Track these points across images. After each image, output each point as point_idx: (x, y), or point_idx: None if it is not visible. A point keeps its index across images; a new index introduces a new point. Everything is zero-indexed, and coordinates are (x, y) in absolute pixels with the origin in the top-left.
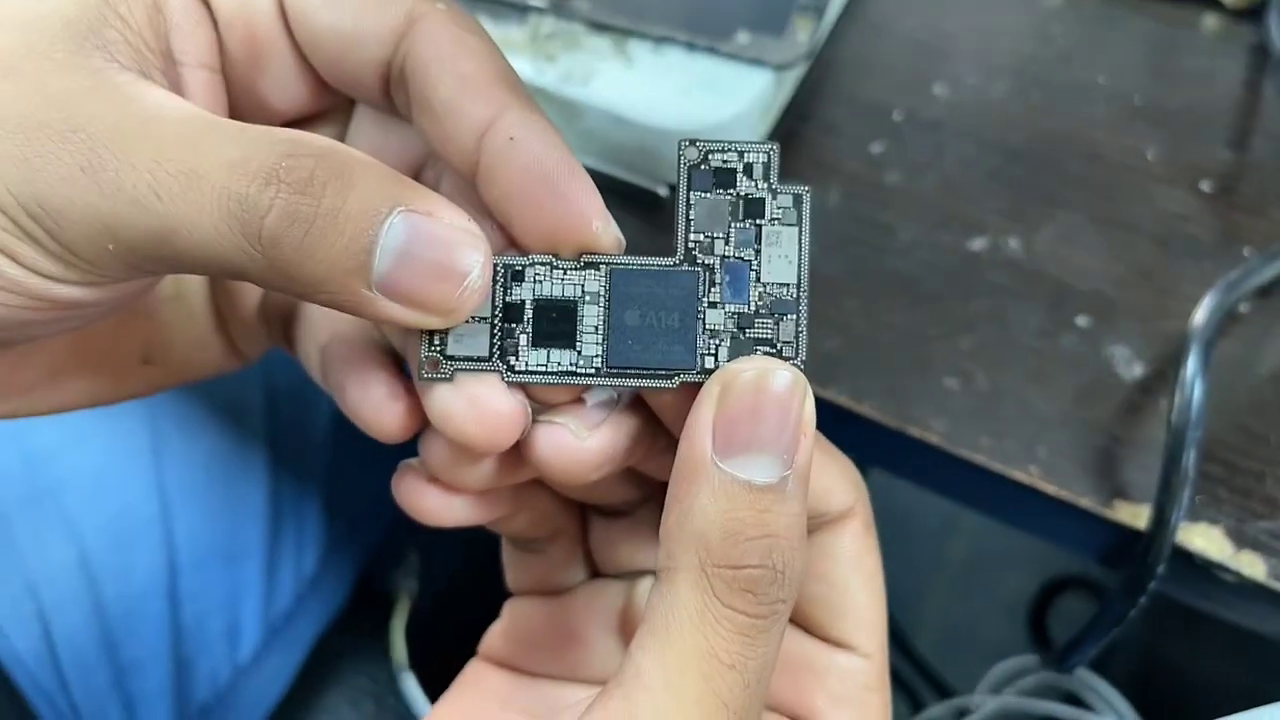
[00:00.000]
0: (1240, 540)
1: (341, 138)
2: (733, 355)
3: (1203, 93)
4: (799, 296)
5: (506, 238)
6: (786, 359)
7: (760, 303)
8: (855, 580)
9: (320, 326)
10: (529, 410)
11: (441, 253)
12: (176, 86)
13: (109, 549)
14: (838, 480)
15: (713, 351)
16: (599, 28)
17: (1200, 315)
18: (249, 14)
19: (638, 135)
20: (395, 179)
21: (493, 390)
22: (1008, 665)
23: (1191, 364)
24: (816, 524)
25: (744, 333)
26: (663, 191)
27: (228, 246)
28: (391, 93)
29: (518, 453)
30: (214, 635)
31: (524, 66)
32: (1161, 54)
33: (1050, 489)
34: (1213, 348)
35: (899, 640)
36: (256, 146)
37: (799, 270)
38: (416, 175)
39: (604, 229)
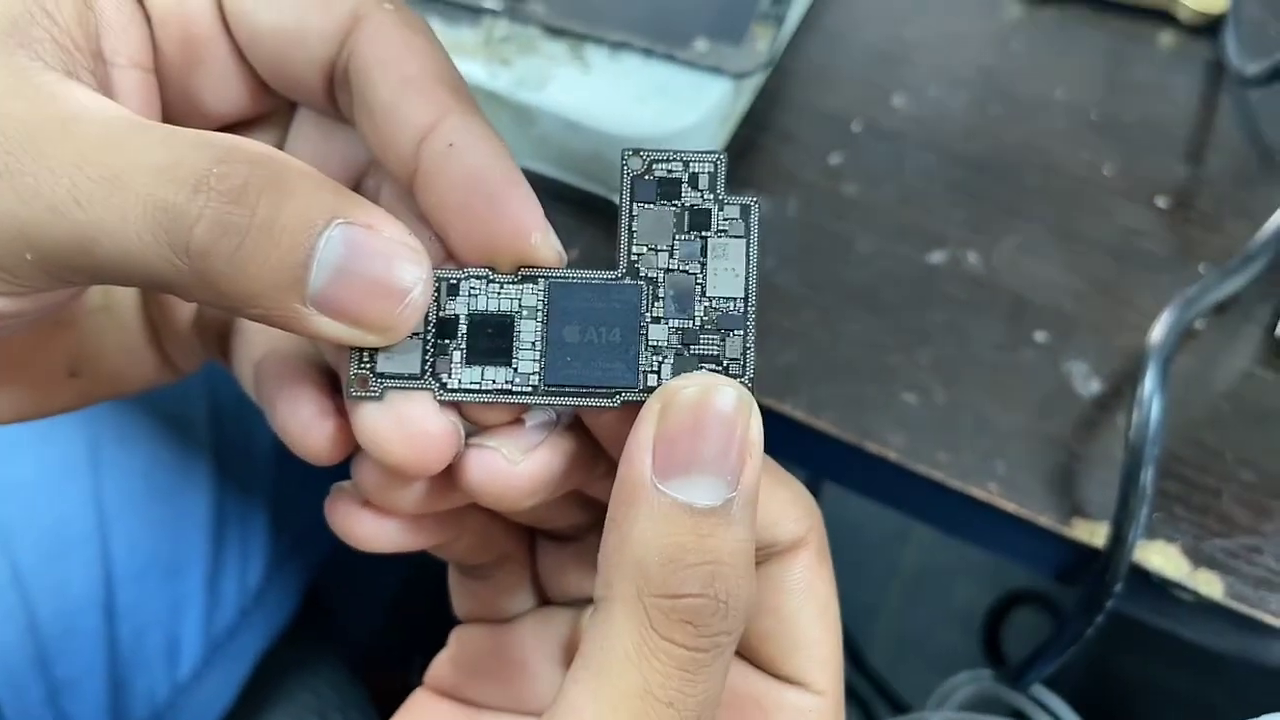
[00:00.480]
0: (1197, 559)
1: (281, 144)
2: (676, 373)
3: (1159, 107)
4: (746, 312)
5: (444, 249)
6: (733, 376)
7: (706, 318)
8: (807, 613)
9: (255, 341)
10: (461, 432)
11: (381, 268)
12: (106, 88)
13: (43, 563)
14: (788, 507)
15: (655, 369)
16: (555, 32)
17: (1158, 333)
18: (184, 11)
19: (593, 142)
20: (334, 189)
21: (423, 410)
22: (960, 679)
23: (1149, 381)
24: (766, 554)
25: (689, 349)
26: (617, 200)
27: (152, 258)
28: (335, 94)
29: (452, 476)
30: (153, 652)
31: (477, 70)
32: (1118, 68)
33: (1009, 506)
34: (1170, 365)
35: (851, 652)
36: (186, 151)
37: (747, 284)
38: (358, 184)
39: (543, 241)
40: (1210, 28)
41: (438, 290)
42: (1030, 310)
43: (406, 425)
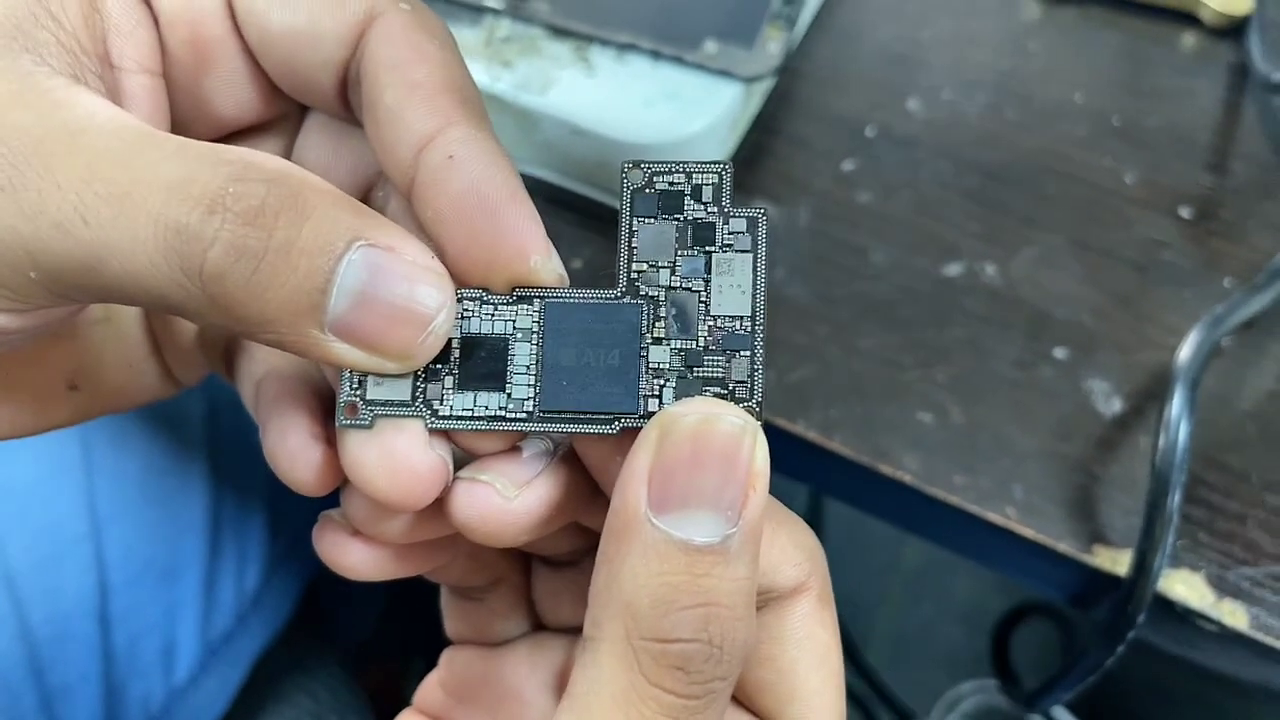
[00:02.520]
0: (1222, 588)
1: (289, 149)
2: (679, 397)
3: (1182, 113)
4: (754, 331)
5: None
6: (739, 401)
7: (710, 338)
8: (805, 662)
9: (259, 359)
10: (450, 466)
11: (404, 294)
12: (114, 93)
13: (35, 568)
14: (789, 550)
15: (656, 393)
16: (559, 33)
17: (1185, 353)
18: (194, 13)
19: (598, 148)
20: (354, 208)
21: (409, 444)
22: (966, 688)
23: (1177, 404)
24: (764, 600)
25: (692, 372)
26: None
27: (163, 280)
28: (348, 97)
29: (442, 507)
30: (148, 657)
31: (478, 72)
32: (1140, 71)
33: (1028, 532)
34: (1198, 387)
35: (849, 650)
36: (200, 167)
37: (754, 302)
38: (367, 192)
39: (543, 263)
40: (1235, 30)
41: None
42: (1050, 325)
43: (392, 460)
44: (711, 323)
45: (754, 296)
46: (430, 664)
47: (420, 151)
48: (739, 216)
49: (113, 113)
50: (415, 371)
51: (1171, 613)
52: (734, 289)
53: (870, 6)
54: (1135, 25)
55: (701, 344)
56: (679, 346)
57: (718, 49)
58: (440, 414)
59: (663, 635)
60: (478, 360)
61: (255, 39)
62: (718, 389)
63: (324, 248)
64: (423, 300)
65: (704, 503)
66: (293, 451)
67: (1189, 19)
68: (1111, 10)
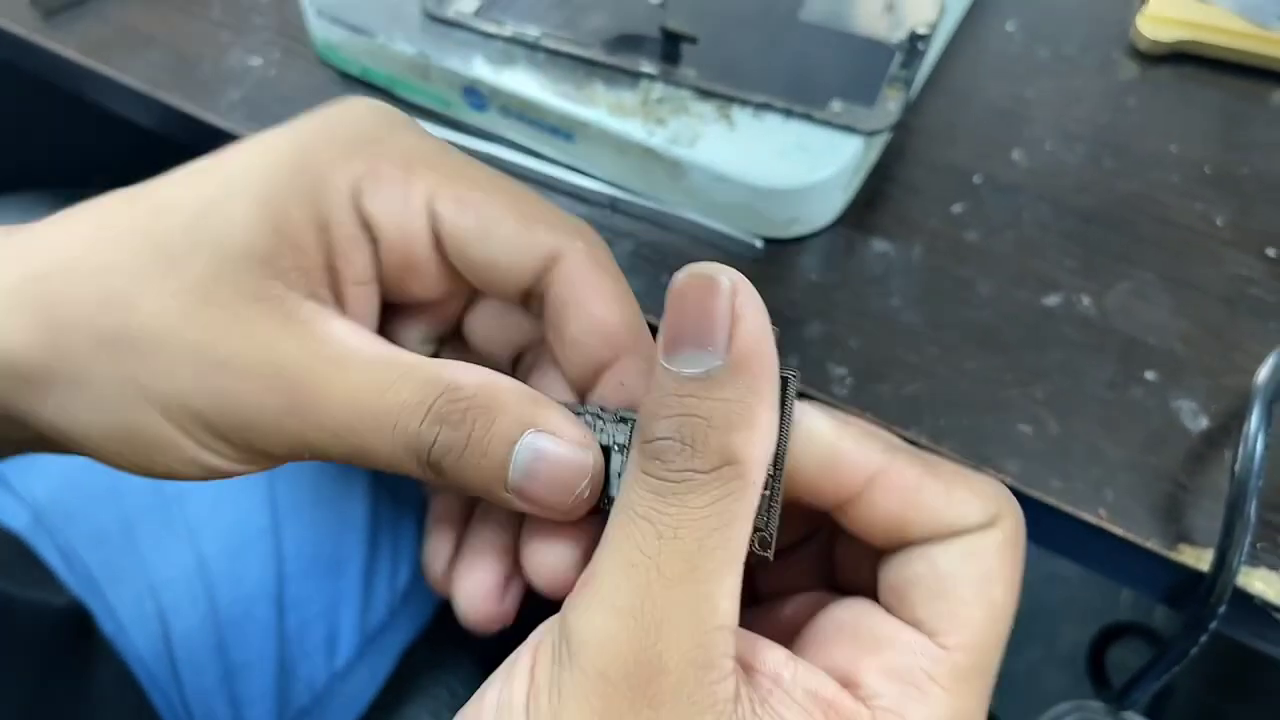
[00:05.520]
0: None
1: (463, 311)
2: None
3: (1271, 163)
4: (774, 483)
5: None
6: (755, 530)
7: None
8: (965, 574)
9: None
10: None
11: (559, 474)
12: (339, 299)
13: (224, 557)
14: (968, 499)
15: None
16: (705, 94)
17: (1264, 374)
18: (408, 242)
19: (738, 192)
20: (531, 401)
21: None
22: (1063, 708)
23: (1254, 419)
24: (949, 532)
25: None
26: (758, 244)
27: (401, 462)
28: (526, 302)
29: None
30: (315, 642)
31: (636, 128)
32: (1231, 125)
33: (1118, 531)
34: (1275, 404)
35: None
36: (426, 390)
37: (779, 455)
38: (519, 356)
39: None
40: None
41: (596, 422)
42: (1141, 351)
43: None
44: None
45: (779, 450)
46: None
47: (598, 373)
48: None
49: (359, 341)
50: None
51: (1250, 606)
52: None
53: (980, 68)
54: (1228, 83)
55: None
56: None
57: (842, 107)
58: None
59: (647, 436)
60: None
61: (457, 262)
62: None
63: (505, 440)
64: (571, 480)
65: (689, 343)
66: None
67: (1279, 78)
68: (1205, 70)
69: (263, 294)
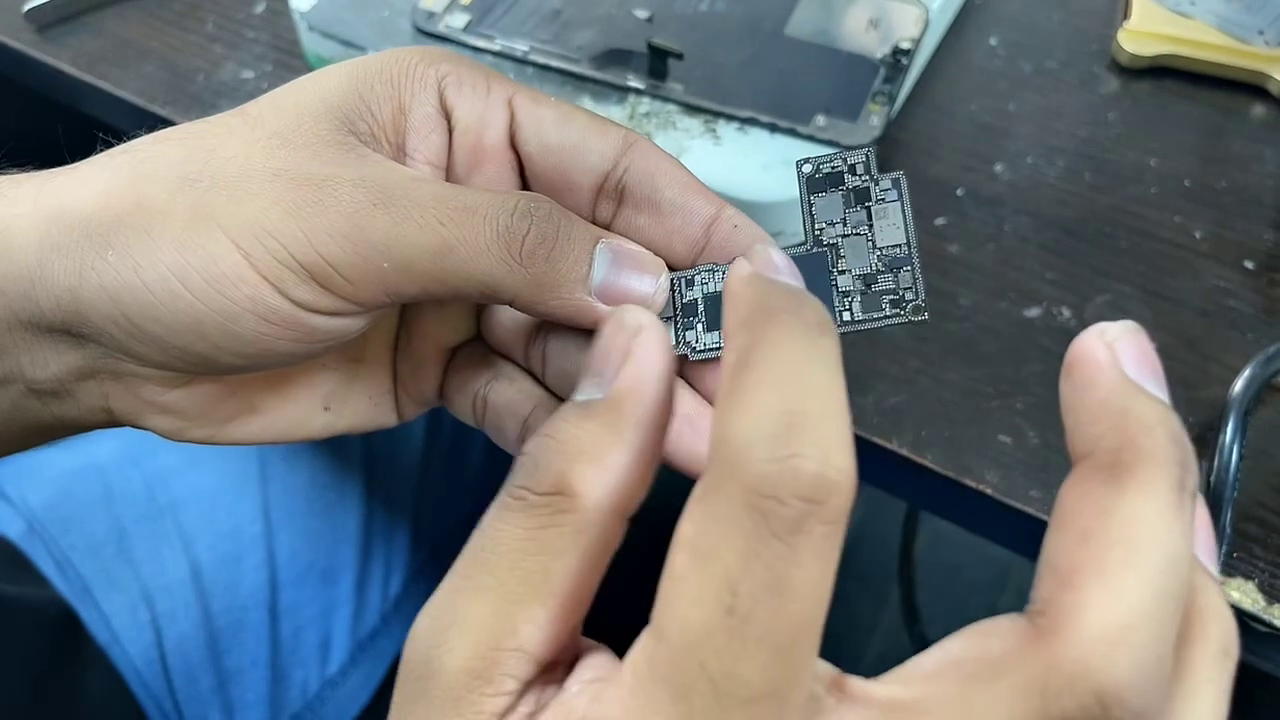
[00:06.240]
0: (1273, 595)
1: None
2: (865, 309)
3: (1249, 176)
4: (910, 251)
5: None
6: (907, 302)
7: (879, 264)
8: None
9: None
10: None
11: (638, 263)
12: None
13: (219, 564)
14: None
15: (848, 307)
16: (691, 109)
17: (1239, 386)
18: (482, 128)
19: None
20: (590, 225)
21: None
22: None
23: (1229, 431)
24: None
25: (870, 289)
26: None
27: (494, 260)
28: (598, 201)
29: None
30: (308, 649)
31: None
32: (1211, 139)
33: None
34: (1250, 416)
35: None
36: (508, 196)
37: (907, 231)
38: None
39: None
40: None
41: (676, 285)
42: None
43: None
44: (878, 253)
45: (906, 228)
46: None
47: (708, 227)
48: (885, 178)
49: (428, 174)
50: (675, 324)
51: None
52: (891, 227)
53: (963, 83)
54: (1208, 97)
55: (873, 269)
56: (858, 273)
57: (826, 122)
58: (696, 348)
59: (522, 449)
60: (717, 310)
61: (532, 150)
62: (891, 297)
63: (586, 239)
64: (649, 265)
65: (590, 371)
66: None
67: (1259, 91)
68: (1186, 84)
69: (340, 140)
